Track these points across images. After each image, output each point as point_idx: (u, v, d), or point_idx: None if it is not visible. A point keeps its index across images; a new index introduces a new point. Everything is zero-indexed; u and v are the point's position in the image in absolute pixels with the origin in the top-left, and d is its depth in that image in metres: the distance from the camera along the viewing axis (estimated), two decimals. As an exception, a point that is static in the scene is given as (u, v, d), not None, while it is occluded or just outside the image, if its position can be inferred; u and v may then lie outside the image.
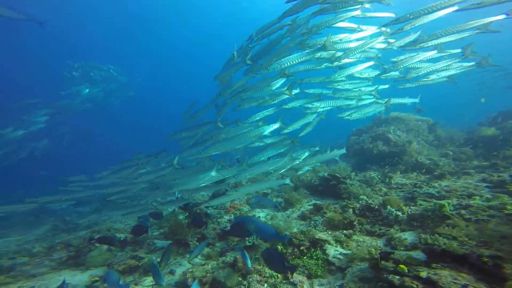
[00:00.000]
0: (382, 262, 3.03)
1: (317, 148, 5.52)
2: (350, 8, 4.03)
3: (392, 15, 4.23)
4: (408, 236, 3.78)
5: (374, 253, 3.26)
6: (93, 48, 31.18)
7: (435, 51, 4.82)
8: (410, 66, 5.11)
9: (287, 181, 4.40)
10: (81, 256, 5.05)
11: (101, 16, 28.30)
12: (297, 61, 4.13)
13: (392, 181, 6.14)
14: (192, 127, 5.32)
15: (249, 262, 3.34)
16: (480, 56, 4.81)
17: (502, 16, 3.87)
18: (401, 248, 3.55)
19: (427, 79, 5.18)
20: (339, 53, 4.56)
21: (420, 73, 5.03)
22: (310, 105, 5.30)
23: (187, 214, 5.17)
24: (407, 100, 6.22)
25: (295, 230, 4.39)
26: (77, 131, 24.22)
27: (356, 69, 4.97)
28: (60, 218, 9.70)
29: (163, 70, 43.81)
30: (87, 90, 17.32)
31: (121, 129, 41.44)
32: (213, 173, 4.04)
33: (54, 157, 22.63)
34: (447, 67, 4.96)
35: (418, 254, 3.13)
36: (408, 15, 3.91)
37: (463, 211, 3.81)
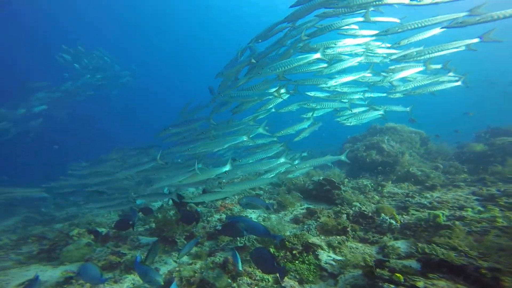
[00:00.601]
0: (377, 270, 2.94)
1: (305, 154, 5.47)
2: (354, 12, 4.01)
3: (397, 20, 4.26)
4: (401, 245, 3.74)
5: (369, 260, 3.18)
6: (90, 35, 30.46)
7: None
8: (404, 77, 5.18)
9: (275, 179, 4.41)
10: (56, 250, 4.64)
11: (100, 4, 27.83)
12: (292, 65, 4.02)
13: (385, 190, 6.16)
14: (181, 123, 5.09)
15: (240, 263, 3.18)
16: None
17: (476, 40, 3.96)
18: (394, 256, 3.48)
19: (416, 91, 5.27)
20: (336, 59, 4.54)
21: (409, 86, 5.10)
22: (306, 106, 5.23)
23: (177, 210, 4.91)
24: (400, 108, 6.27)
25: (287, 233, 4.26)
26: (75, 116, 23.58)
27: (354, 77, 4.95)
28: (35, 210, 9.04)
29: (159, 62, 43.27)
30: (88, 76, 17.04)
31: (118, 117, 40.23)
32: (196, 171, 3.86)
33: (50, 139, 21.84)
34: (436, 81, 5.05)
35: (412, 263, 3.07)
36: (396, 28, 3.97)
37: (457, 222, 3.82)
